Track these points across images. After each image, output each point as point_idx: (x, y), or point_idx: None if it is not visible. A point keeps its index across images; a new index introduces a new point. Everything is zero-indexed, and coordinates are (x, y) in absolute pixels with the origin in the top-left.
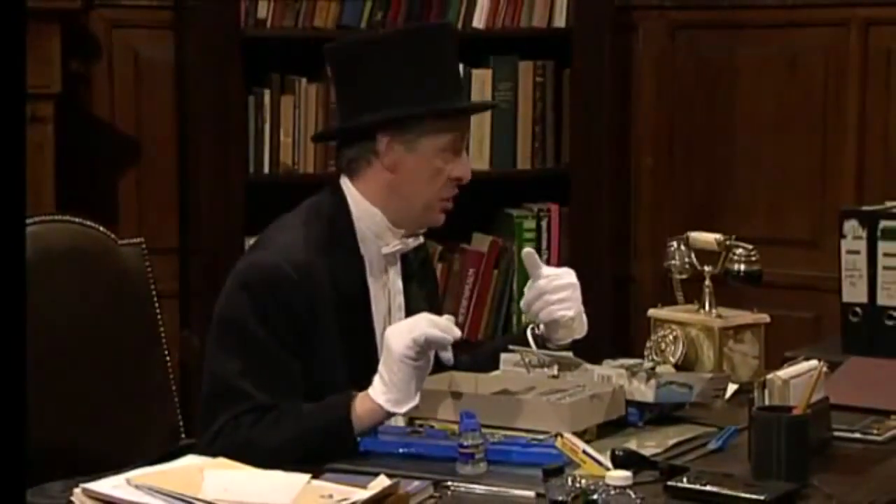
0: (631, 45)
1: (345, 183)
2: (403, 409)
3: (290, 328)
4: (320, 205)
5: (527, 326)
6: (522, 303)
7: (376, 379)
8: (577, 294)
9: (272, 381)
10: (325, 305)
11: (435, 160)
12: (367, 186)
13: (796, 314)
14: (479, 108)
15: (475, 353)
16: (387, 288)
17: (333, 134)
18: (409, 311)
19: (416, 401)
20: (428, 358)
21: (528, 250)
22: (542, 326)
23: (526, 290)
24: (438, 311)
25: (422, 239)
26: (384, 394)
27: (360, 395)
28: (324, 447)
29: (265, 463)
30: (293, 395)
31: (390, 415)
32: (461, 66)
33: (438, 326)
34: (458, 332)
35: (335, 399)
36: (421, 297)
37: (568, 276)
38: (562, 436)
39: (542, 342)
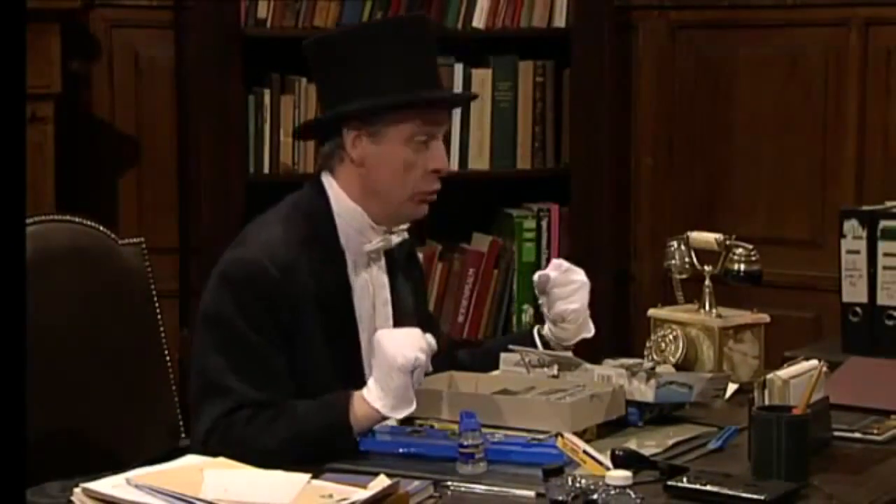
0: (631, 45)
1: (326, 179)
2: (403, 414)
3: (272, 324)
4: (301, 201)
5: (532, 327)
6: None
7: (372, 383)
8: (586, 293)
9: (257, 376)
10: (307, 302)
11: (402, 151)
12: (344, 183)
13: (796, 314)
14: (441, 98)
15: (474, 353)
16: (371, 284)
17: (307, 130)
18: (395, 306)
19: (413, 405)
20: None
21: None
22: (547, 327)
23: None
24: (425, 304)
25: (406, 234)
26: (381, 399)
27: (357, 395)
28: (322, 448)
29: (260, 463)
30: (280, 388)
31: (387, 417)
32: (462, 66)
33: (431, 349)
34: (429, 367)
35: (333, 398)
36: (407, 290)
37: (578, 274)
38: (562, 436)
39: (546, 344)
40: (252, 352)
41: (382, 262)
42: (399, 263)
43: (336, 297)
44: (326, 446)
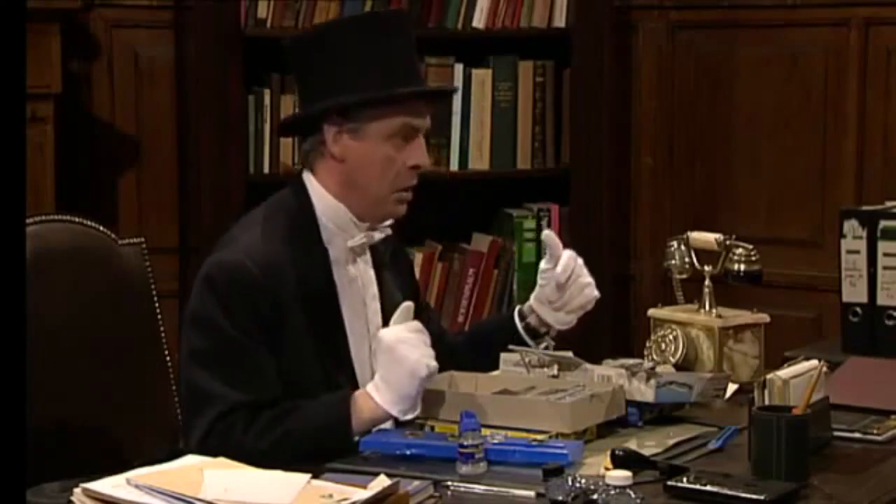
0: (631, 45)
1: (307, 177)
2: (410, 417)
3: (255, 322)
4: (282, 200)
5: (514, 310)
6: (543, 285)
7: (382, 385)
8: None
9: (243, 377)
10: (291, 301)
11: (383, 147)
12: (324, 179)
13: (796, 314)
14: (420, 93)
15: (463, 334)
16: (357, 280)
17: (287, 127)
18: (384, 302)
19: (419, 408)
20: None
21: (548, 232)
22: (535, 317)
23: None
24: (418, 305)
25: (389, 231)
26: (394, 404)
27: (362, 395)
28: (321, 449)
29: (260, 466)
30: (268, 386)
31: (392, 417)
32: (462, 66)
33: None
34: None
35: (332, 399)
36: (395, 286)
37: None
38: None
39: (528, 326)
40: (236, 352)
41: (368, 256)
42: (385, 260)
43: (320, 295)
44: (326, 447)
